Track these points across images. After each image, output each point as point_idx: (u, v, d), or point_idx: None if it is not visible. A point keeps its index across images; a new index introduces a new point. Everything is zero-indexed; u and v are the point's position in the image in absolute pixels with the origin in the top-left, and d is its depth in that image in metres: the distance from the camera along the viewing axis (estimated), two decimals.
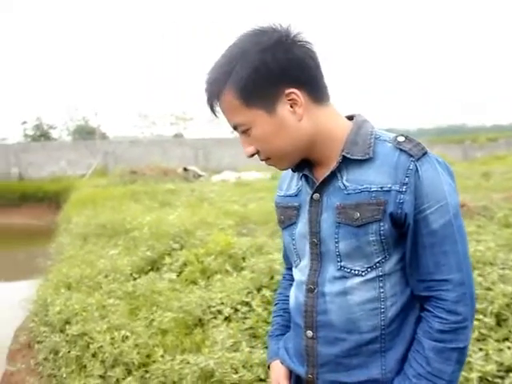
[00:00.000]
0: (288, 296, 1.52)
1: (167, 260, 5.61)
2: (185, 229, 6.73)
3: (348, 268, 1.26)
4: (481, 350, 3.08)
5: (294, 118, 1.22)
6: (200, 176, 18.48)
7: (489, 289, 3.83)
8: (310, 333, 1.33)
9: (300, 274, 1.38)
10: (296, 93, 1.21)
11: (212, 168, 22.56)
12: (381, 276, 1.25)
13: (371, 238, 1.22)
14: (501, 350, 3.07)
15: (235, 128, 1.28)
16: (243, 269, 5.04)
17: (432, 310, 1.22)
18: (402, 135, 1.26)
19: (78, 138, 31.07)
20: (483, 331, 3.32)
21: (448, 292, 1.20)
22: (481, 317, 3.45)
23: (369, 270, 1.25)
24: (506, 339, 3.25)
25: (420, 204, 1.20)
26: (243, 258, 5.36)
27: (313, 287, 1.31)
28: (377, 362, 1.27)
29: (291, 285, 1.49)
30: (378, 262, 1.24)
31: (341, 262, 1.26)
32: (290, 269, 1.60)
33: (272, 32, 1.20)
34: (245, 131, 1.26)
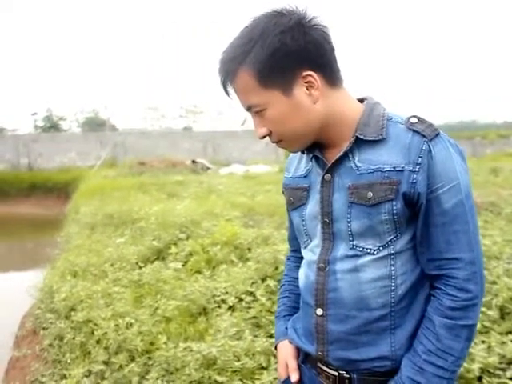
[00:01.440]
0: (294, 278, 1.54)
1: (173, 250, 5.64)
2: (191, 219, 6.77)
3: (360, 247, 1.27)
4: (483, 342, 3.08)
5: (309, 100, 1.23)
6: (208, 168, 18.53)
7: (494, 282, 3.83)
8: (320, 311, 1.34)
9: (311, 253, 1.38)
10: (313, 75, 1.22)
11: (220, 161, 22.60)
12: (392, 254, 1.26)
13: (384, 217, 1.23)
14: (504, 342, 3.06)
15: (249, 109, 1.28)
16: (248, 259, 5.06)
17: (443, 287, 1.23)
18: (415, 116, 1.27)
19: (87, 129, 31.18)
20: (487, 324, 3.32)
21: (459, 270, 1.22)
22: (484, 310, 3.44)
23: (381, 248, 1.26)
24: (510, 332, 3.24)
25: (433, 184, 1.21)
26: (249, 249, 5.38)
27: (324, 265, 1.32)
28: (386, 339, 1.28)
29: (297, 267, 1.51)
30: (389, 241, 1.25)
31: (353, 240, 1.28)
32: (294, 251, 1.61)
33: (291, 14, 1.21)
34: (258, 112, 1.26)
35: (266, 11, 1.23)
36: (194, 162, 19.04)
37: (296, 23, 1.19)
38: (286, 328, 1.53)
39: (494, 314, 3.39)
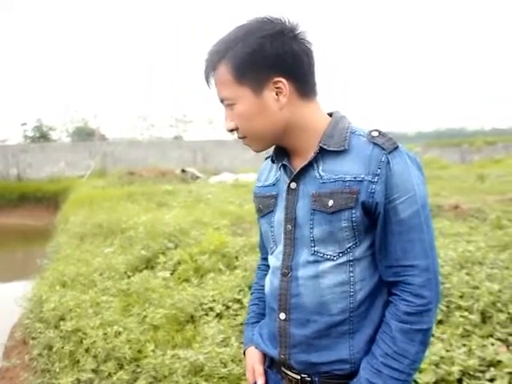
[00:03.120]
0: (263, 286, 1.59)
1: (161, 259, 5.69)
2: (180, 228, 6.82)
3: (321, 253, 1.33)
4: (464, 345, 3.15)
5: (276, 105, 1.31)
6: (198, 177, 18.54)
7: (476, 287, 3.90)
8: (283, 315, 1.40)
9: (275, 259, 1.44)
10: (283, 82, 1.29)
11: (210, 170, 22.59)
12: (351, 261, 1.32)
13: (343, 225, 1.29)
14: (484, 345, 3.13)
15: (222, 101, 1.36)
16: (236, 267, 5.13)
17: (399, 293, 1.29)
18: (376, 130, 1.33)
19: (77, 139, 31.08)
20: (468, 328, 3.39)
21: (414, 277, 1.27)
22: (466, 314, 3.52)
23: (340, 254, 1.32)
24: (490, 336, 3.31)
25: (390, 194, 1.27)
26: (236, 257, 5.45)
27: (287, 271, 1.38)
28: (345, 343, 1.34)
29: (266, 275, 1.55)
30: (349, 248, 1.31)
31: (314, 246, 1.33)
32: (264, 259, 1.67)
33: (277, 23, 1.29)
34: (229, 105, 1.34)
35: (258, 16, 1.31)
36: (183, 171, 19.05)
37: (278, 32, 1.28)
38: (253, 334, 1.58)
39: (475, 318, 3.47)
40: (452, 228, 6.59)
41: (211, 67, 1.33)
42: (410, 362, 1.27)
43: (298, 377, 1.41)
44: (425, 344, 1.29)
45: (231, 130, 1.37)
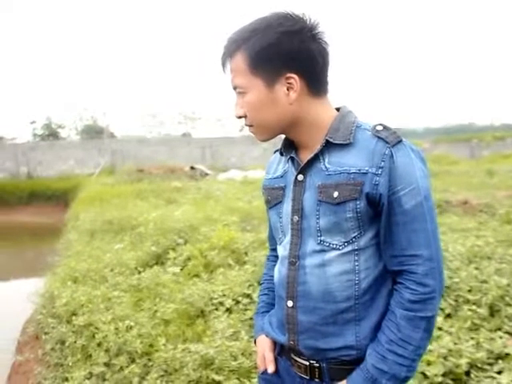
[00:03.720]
0: (272, 276, 1.63)
1: (171, 254, 5.74)
2: (190, 225, 6.87)
3: (327, 242, 1.37)
4: (472, 338, 3.17)
5: (286, 99, 1.35)
6: (207, 174, 18.59)
7: (484, 281, 3.92)
8: (290, 302, 1.44)
9: (283, 249, 1.48)
10: (295, 79, 1.33)
11: (219, 167, 22.65)
12: (356, 250, 1.35)
13: (348, 215, 1.32)
14: (492, 339, 3.15)
15: (234, 88, 1.40)
16: (245, 263, 5.17)
17: (404, 282, 1.33)
18: (381, 124, 1.37)
19: (86, 137, 31.21)
20: (476, 321, 3.41)
21: (418, 266, 1.31)
22: (474, 307, 3.54)
23: (345, 244, 1.35)
24: (499, 329, 3.33)
25: (394, 186, 1.30)
26: (245, 253, 5.48)
27: (294, 260, 1.42)
28: (351, 330, 1.38)
29: (275, 265, 1.59)
30: (354, 237, 1.35)
31: (321, 236, 1.37)
32: (273, 250, 1.71)
33: (298, 20, 1.33)
34: (241, 93, 1.38)
35: (278, 11, 1.35)
36: (192, 168, 19.11)
37: (297, 29, 1.31)
38: (264, 323, 1.62)
39: (483, 311, 3.49)
40: (461, 223, 6.60)
41: (228, 54, 1.37)
42: (415, 349, 1.30)
43: (307, 363, 1.45)
44: (429, 331, 1.32)
45: (239, 117, 1.41)
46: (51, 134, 32.97)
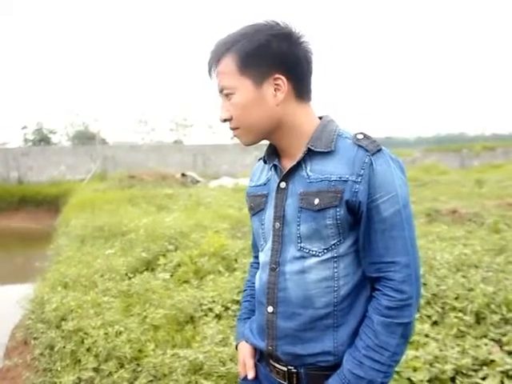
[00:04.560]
0: (254, 283, 1.65)
1: (162, 261, 5.76)
2: (180, 231, 6.89)
3: (307, 249, 1.40)
4: (458, 345, 3.21)
5: (273, 100, 1.38)
6: (198, 181, 18.61)
7: (471, 289, 3.97)
8: (270, 308, 1.47)
9: (264, 255, 1.52)
10: (283, 80, 1.37)
11: (210, 174, 22.66)
12: (335, 257, 1.38)
13: (328, 222, 1.36)
14: (477, 346, 3.20)
15: (221, 91, 1.42)
16: (235, 269, 5.20)
17: (381, 288, 1.36)
18: (362, 133, 1.41)
19: (77, 143, 31.12)
20: (462, 328, 3.46)
21: (395, 273, 1.34)
22: (460, 315, 3.58)
23: (325, 251, 1.38)
24: (484, 336, 3.38)
25: (373, 194, 1.34)
26: (235, 260, 5.52)
27: (275, 266, 1.45)
28: (329, 336, 1.41)
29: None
30: (333, 244, 1.38)
31: (301, 243, 1.40)
32: (257, 257, 1.74)
33: (286, 27, 1.38)
34: (227, 95, 1.40)
35: (267, 19, 1.39)
36: (183, 175, 19.12)
37: (286, 34, 1.37)
38: (245, 329, 1.65)
39: (469, 319, 3.54)
40: (449, 232, 6.66)
41: (216, 57, 1.40)
42: (391, 355, 1.33)
43: (285, 369, 1.47)
44: (405, 337, 1.35)
45: (225, 120, 1.43)
46: (42, 140, 32.82)
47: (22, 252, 13.43)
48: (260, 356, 1.60)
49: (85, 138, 31.99)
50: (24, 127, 33.24)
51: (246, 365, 1.62)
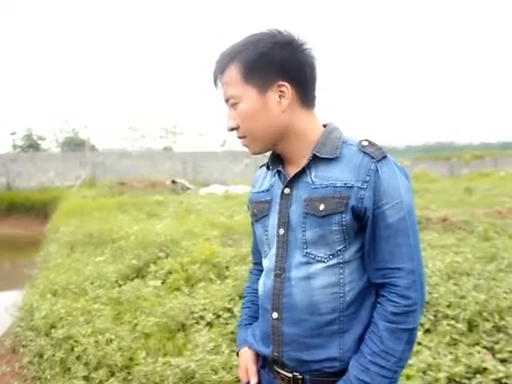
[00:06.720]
0: (255, 289, 1.65)
1: (152, 268, 5.73)
2: (171, 238, 6.86)
3: (313, 254, 1.39)
4: (451, 353, 3.21)
5: (278, 107, 1.38)
6: (188, 189, 18.57)
7: (463, 297, 3.97)
8: (275, 314, 1.45)
9: (268, 262, 1.50)
10: (287, 87, 1.37)
11: (200, 181, 22.66)
12: (341, 263, 1.38)
13: (334, 228, 1.35)
14: (470, 353, 3.19)
15: (227, 100, 1.42)
16: (226, 277, 5.18)
17: (386, 294, 1.35)
18: (367, 140, 1.41)
19: (66, 149, 31.02)
20: (455, 336, 3.45)
21: (400, 279, 1.34)
22: (453, 323, 3.58)
23: (331, 257, 1.38)
24: (477, 344, 3.38)
25: (378, 200, 1.34)
26: (227, 267, 5.49)
27: (280, 272, 1.44)
28: (335, 342, 1.39)
29: (258, 279, 1.61)
30: (339, 250, 1.37)
31: (306, 248, 1.40)
32: (257, 264, 1.73)
33: (288, 35, 1.39)
34: (234, 105, 1.41)
35: (268, 28, 1.40)
36: (173, 182, 19.08)
37: (288, 41, 1.37)
38: (247, 335, 1.63)
39: (462, 326, 3.53)
40: (440, 240, 6.68)
41: (221, 68, 1.41)
42: (397, 360, 1.32)
43: (290, 375, 1.46)
44: (410, 343, 1.35)
45: (232, 129, 1.44)
46: (31, 146, 32.71)
47: (10, 259, 13.32)
48: (263, 362, 1.58)
49: (74, 145, 31.92)
50: (13, 133, 33.09)
51: (249, 371, 1.60)
